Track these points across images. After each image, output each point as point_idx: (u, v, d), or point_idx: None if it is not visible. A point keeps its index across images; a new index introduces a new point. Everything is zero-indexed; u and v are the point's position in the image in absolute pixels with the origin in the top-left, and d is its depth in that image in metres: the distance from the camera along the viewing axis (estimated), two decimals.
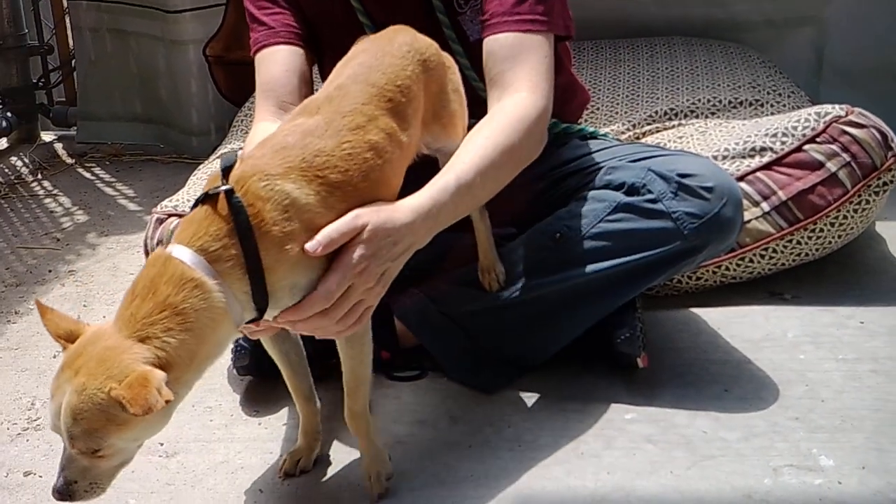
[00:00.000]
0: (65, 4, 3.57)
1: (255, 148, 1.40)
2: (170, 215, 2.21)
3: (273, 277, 1.31)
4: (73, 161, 3.45)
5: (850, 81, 3.08)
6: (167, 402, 1.18)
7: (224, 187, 1.31)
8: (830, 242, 2.06)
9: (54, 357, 2.05)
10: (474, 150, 1.58)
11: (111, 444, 1.24)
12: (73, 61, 3.62)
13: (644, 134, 2.46)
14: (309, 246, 1.33)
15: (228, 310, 1.28)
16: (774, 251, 2.04)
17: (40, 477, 1.64)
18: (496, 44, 1.72)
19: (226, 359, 1.89)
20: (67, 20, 3.59)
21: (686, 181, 1.73)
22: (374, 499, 1.53)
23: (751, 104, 2.50)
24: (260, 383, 1.86)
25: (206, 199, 1.32)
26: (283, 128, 1.44)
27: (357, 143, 1.41)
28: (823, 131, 2.05)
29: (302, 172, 1.34)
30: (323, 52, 1.89)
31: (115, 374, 1.19)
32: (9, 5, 3.54)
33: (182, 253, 1.27)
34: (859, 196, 2.01)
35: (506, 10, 1.73)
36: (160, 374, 1.20)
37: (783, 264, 2.07)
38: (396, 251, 1.45)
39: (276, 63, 1.81)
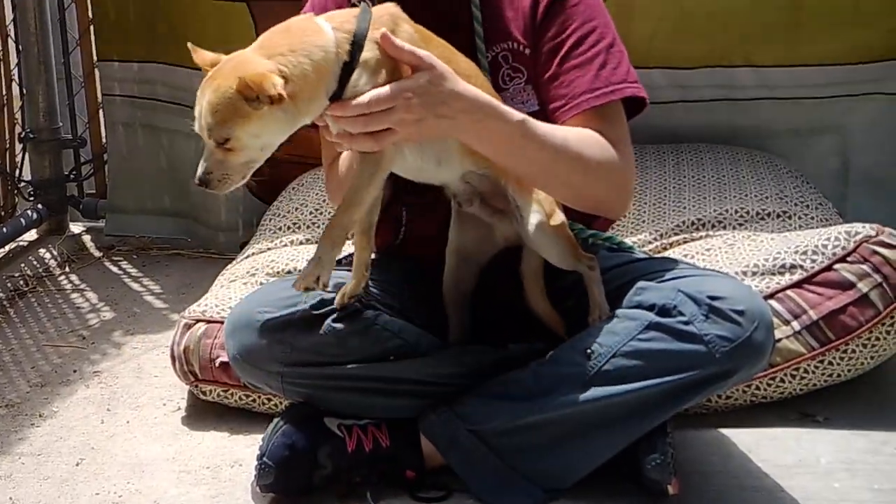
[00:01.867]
0: (99, 99, 3.64)
1: None
2: (198, 320, 2.22)
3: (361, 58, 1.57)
4: (101, 254, 3.47)
5: (877, 189, 3.07)
6: (280, 96, 1.46)
7: None
8: (863, 364, 2.03)
9: (77, 465, 2.03)
10: (551, 127, 1.71)
11: (237, 136, 1.50)
12: (105, 154, 3.67)
13: (671, 245, 2.46)
14: (382, 32, 1.56)
15: (333, 63, 1.55)
16: (806, 371, 2.02)
17: None
18: (588, 118, 1.77)
19: (248, 475, 1.87)
20: (101, 114, 3.66)
21: (717, 304, 1.72)
22: (299, 286, 1.65)
23: (778, 216, 2.50)
24: (282, 501, 1.83)
25: None
26: None
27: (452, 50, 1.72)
28: (854, 251, 2.04)
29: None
30: None
31: (242, 74, 1.46)
32: (45, 99, 3.61)
33: (318, 18, 1.61)
34: (892, 318, 1.99)
35: (585, 89, 1.78)
36: (278, 78, 1.47)
37: (815, 385, 2.04)
38: (441, 111, 1.57)
39: None
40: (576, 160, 1.71)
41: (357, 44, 1.57)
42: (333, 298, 1.81)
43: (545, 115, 1.82)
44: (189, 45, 1.63)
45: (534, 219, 1.77)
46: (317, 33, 1.56)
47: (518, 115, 1.66)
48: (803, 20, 3.00)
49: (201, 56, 1.61)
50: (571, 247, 1.82)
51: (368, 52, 1.57)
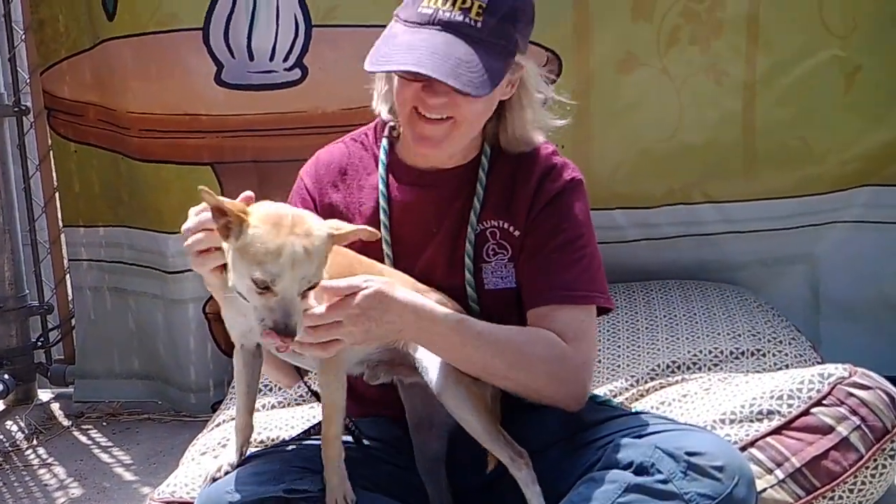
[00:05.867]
0: (66, 264, 3.63)
1: None
2: (167, 503, 2.14)
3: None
4: (70, 423, 3.39)
5: (848, 315, 3.11)
6: None
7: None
8: None
9: None
10: (490, 326, 1.78)
11: (321, 277, 1.55)
12: (73, 320, 3.63)
13: (647, 391, 2.42)
14: (324, 281, 1.59)
15: None
16: None
17: None
18: (551, 313, 1.84)
19: None
20: (68, 279, 3.64)
21: (695, 460, 1.68)
22: None
23: (752, 354, 2.49)
24: None
25: None
26: None
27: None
28: (829, 393, 2.02)
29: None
30: None
31: (318, 225, 1.55)
32: (11, 268, 3.60)
33: None
34: (875, 460, 1.95)
35: (561, 286, 1.86)
36: None
37: None
38: (385, 319, 1.66)
39: None
40: (516, 357, 1.78)
41: None
42: (309, 482, 1.75)
43: (519, 294, 1.90)
44: (202, 188, 1.52)
45: (437, 376, 1.78)
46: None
47: (456, 316, 1.76)
48: (756, 156, 3.08)
49: (222, 202, 1.53)
50: (489, 422, 1.79)
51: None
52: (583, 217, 1.93)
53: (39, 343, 3.69)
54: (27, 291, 3.67)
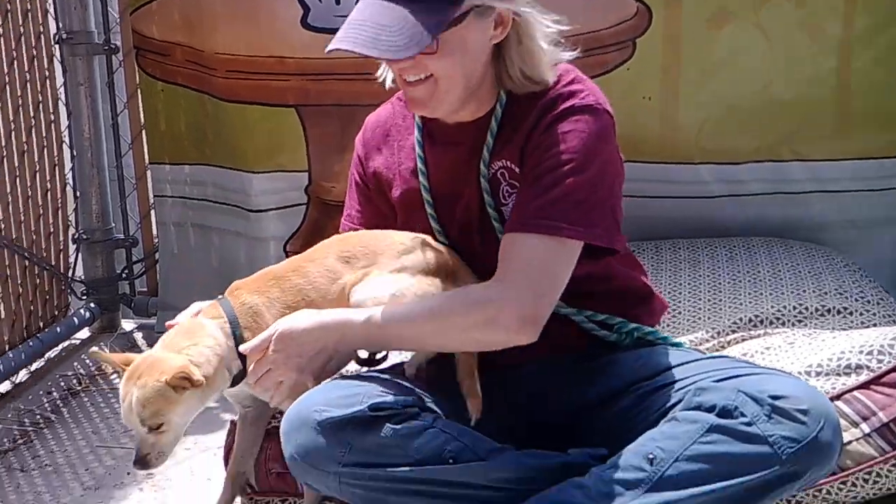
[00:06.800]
0: (151, 200, 3.71)
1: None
2: None
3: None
4: None
5: None
6: (204, 379, 1.78)
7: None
8: None
9: None
10: (400, 307, 1.84)
11: (169, 419, 1.77)
12: (157, 254, 3.73)
13: (729, 343, 2.40)
14: (241, 347, 1.86)
15: (225, 345, 1.87)
16: (878, 475, 1.94)
17: None
18: (509, 242, 1.83)
19: None
20: (153, 215, 3.72)
21: (779, 403, 1.68)
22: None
23: (839, 312, 2.44)
24: None
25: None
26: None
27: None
28: None
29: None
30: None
31: (164, 369, 1.76)
32: (98, 202, 3.69)
33: (208, 320, 1.90)
34: None
35: (530, 214, 1.81)
36: (193, 366, 1.78)
37: (889, 489, 1.96)
38: (304, 350, 1.83)
39: None
40: (436, 323, 1.83)
41: (233, 327, 1.88)
42: (393, 399, 1.79)
43: None
44: (93, 350, 1.92)
45: None
46: (202, 327, 1.87)
47: (364, 313, 1.84)
48: (850, 115, 3.01)
49: (110, 358, 1.94)
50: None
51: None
52: (579, 143, 1.82)
53: (124, 275, 3.79)
54: (113, 225, 3.76)
